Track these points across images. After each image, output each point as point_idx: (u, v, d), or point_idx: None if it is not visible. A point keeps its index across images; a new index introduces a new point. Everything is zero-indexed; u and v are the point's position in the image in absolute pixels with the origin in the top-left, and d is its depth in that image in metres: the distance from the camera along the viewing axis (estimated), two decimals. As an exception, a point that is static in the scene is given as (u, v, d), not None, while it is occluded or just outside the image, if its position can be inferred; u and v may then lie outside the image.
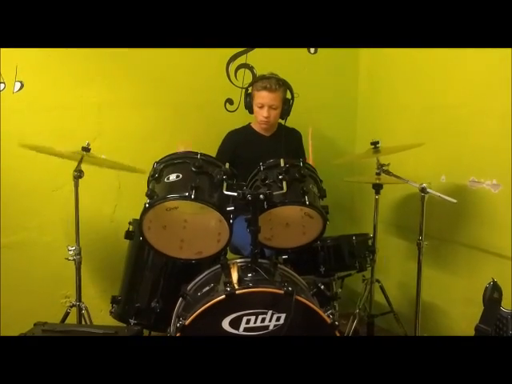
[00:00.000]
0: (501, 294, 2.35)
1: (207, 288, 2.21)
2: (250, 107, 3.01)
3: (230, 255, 2.64)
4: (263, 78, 2.94)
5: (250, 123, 3.15)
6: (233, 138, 3.08)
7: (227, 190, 2.12)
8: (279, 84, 2.92)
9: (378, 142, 2.91)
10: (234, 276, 2.16)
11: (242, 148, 3.01)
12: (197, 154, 2.24)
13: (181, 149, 2.48)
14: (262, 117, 2.96)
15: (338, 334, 2.07)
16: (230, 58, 3.39)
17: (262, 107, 2.94)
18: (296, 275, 2.41)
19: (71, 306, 2.68)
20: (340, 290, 2.88)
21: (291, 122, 3.11)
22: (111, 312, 2.68)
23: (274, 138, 3.11)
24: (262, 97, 2.92)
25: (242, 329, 1.99)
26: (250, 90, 3.01)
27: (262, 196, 2.06)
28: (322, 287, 2.67)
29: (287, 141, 3.06)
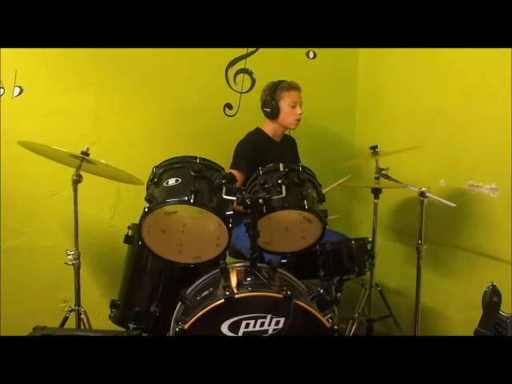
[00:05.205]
0: (500, 298, 2.35)
1: (206, 292, 2.21)
2: (276, 112, 3.03)
3: (229, 259, 2.64)
4: (283, 81, 3.04)
5: (258, 128, 3.15)
6: (251, 144, 3.06)
7: (226, 195, 2.12)
8: None
9: (376, 147, 2.93)
10: (233, 280, 2.16)
11: (259, 153, 3.00)
12: (196, 158, 2.24)
13: None
14: (296, 115, 3.03)
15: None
16: (229, 63, 3.40)
17: (294, 106, 3.01)
18: (295, 279, 2.41)
19: (70, 311, 2.67)
20: (339, 294, 2.88)
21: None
22: (110, 316, 2.68)
23: (282, 143, 3.17)
24: (295, 95, 3.03)
25: (241, 333, 1.98)
26: (271, 97, 3.03)
27: (261, 200, 2.06)
28: (322, 291, 2.68)
29: (292, 146, 3.19)
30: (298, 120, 3.05)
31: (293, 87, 3.02)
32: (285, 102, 3.01)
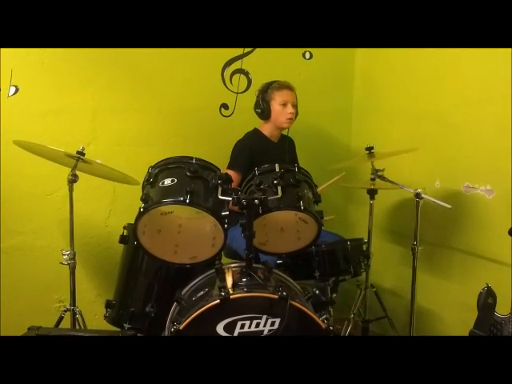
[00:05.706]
0: (495, 299, 2.36)
1: (202, 293, 2.21)
2: (267, 112, 3.02)
3: (224, 259, 2.64)
4: (275, 81, 3.04)
5: (255, 128, 3.14)
6: (248, 145, 3.05)
7: (222, 195, 2.12)
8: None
9: (372, 148, 2.93)
10: (229, 281, 2.16)
11: (256, 153, 3.00)
12: (192, 158, 2.24)
13: None
14: (288, 114, 3.01)
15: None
16: (226, 63, 3.40)
17: (285, 105, 3.00)
18: (291, 280, 2.41)
19: (65, 311, 2.67)
20: (335, 295, 2.88)
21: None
22: (105, 316, 2.67)
23: (280, 144, 3.15)
24: (286, 94, 3.01)
25: (236, 333, 1.98)
26: (262, 97, 3.03)
27: (256, 201, 2.06)
28: (317, 292, 2.68)
29: (290, 147, 3.16)
30: (290, 119, 3.02)
31: (283, 86, 3.01)
32: (275, 102, 3.00)
